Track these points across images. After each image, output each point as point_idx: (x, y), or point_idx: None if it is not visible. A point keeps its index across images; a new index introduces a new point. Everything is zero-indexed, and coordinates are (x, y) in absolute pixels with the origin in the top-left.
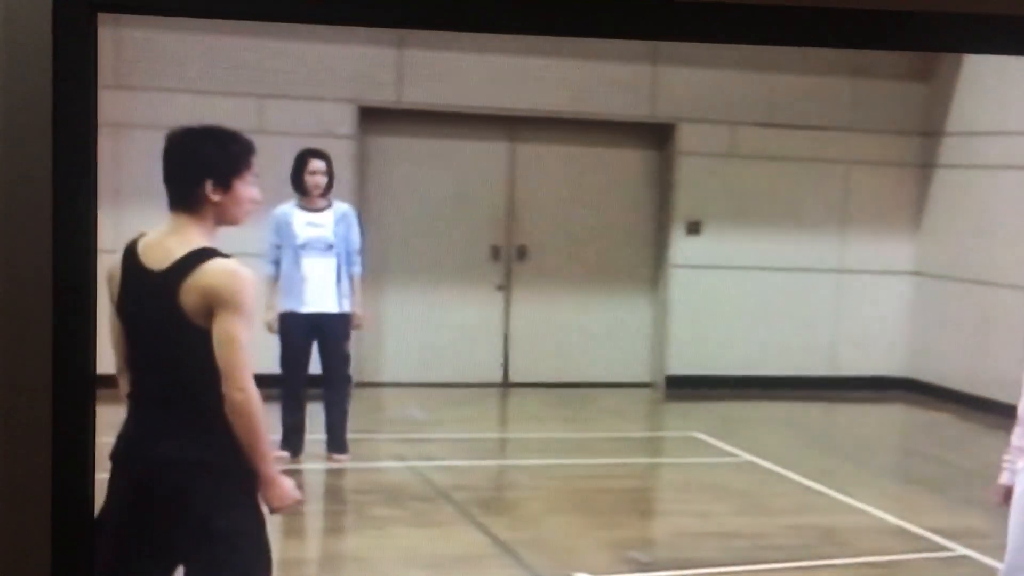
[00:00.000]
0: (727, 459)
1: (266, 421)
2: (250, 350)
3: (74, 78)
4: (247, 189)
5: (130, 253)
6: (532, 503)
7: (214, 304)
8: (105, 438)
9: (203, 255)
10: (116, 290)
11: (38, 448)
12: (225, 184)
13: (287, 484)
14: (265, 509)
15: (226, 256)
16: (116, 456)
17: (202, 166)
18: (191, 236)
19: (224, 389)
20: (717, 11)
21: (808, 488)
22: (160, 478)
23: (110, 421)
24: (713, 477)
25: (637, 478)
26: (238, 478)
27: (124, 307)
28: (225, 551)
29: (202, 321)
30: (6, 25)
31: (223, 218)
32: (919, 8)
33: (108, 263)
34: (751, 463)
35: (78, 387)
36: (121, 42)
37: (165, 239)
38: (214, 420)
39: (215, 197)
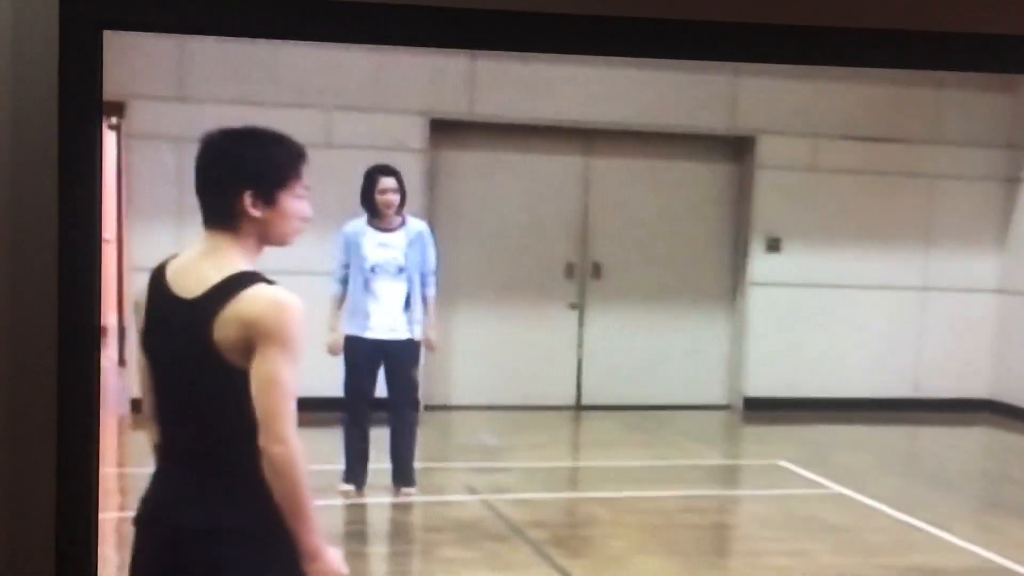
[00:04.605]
0: (816, 490)
1: (310, 481)
2: (294, 395)
3: (80, 96)
4: (295, 203)
5: (158, 278)
6: (613, 541)
7: (255, 339)
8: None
9: (243, 280)
10: (142, 321)
11: (42, 464)
12: (268, 196)
13: (333, 557)
14: None
15: (271, 282)
16: (141, 521)
17: (241, 175)
18: (229, 258)
19: (261, 441)
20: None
21: (904, 523)
22: (190, 549)
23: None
24: (803, 510)
25: (723, 512)
26: (278, 549)
27: (149, 341)
28: None
29: (240, 360)
30: (13, 43)
31: (267, 237)
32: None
33: (136, 289)
34: (841, 494)
35: (83, 405)
36: (184, 53)
37: (199, 262)
38: (253, 480)
39: (256, 212)
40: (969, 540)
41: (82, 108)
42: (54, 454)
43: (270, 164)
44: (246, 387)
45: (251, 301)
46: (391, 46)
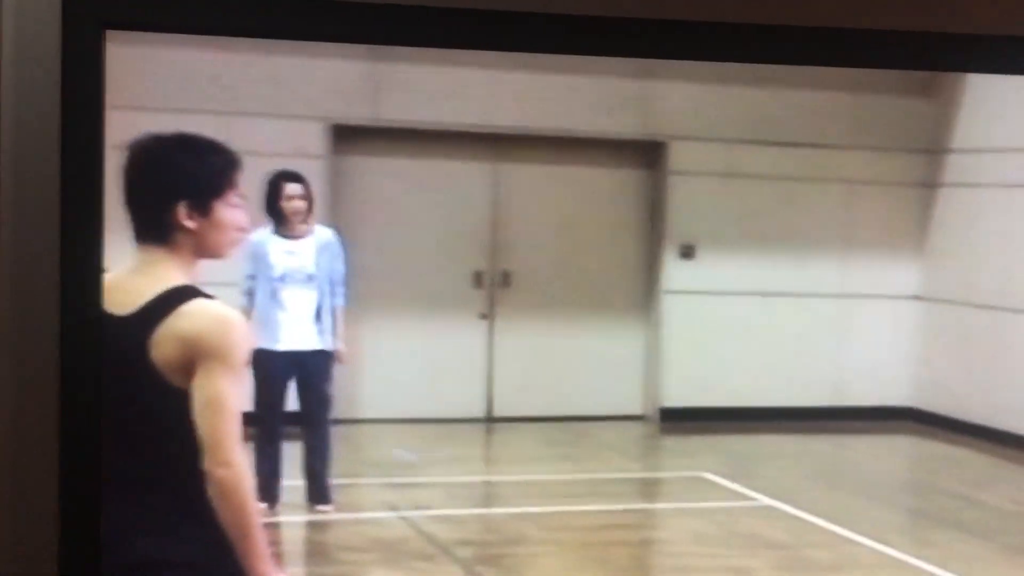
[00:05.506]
0: (744, 503)
1: (258, 506)
2: (239, 415)
3: (82, 94)
4: (231, 213)
5: None
6: (545, 559)
7: (196, 357)
8: None
9: (181, 295)
10: None
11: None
12: (203, 207)
13: None
14: None
15: (210, 296)
16: None
17: (173, 184)
18: (164, 272)
19: (206, 465)
20: (714, 30)
21: (842, 536)
22: None
23: None
24: (737, 525)
25: (653, 527)
26: None
27: None
28: None
29: (179, 379)
30: (14, 42)
31: (202, 249)
32: (916, 28)
33: None
34: (771, 507)
35: (85, 417)
36: None
37: (131, 277)
38: (197, 507)
39: (191, 224)
40: (910, 554)
41: (85, 107)
42: (56, 455)
43: (206, 173)
44: (187, 408)
45: (191, 317)
46: (290, 50)
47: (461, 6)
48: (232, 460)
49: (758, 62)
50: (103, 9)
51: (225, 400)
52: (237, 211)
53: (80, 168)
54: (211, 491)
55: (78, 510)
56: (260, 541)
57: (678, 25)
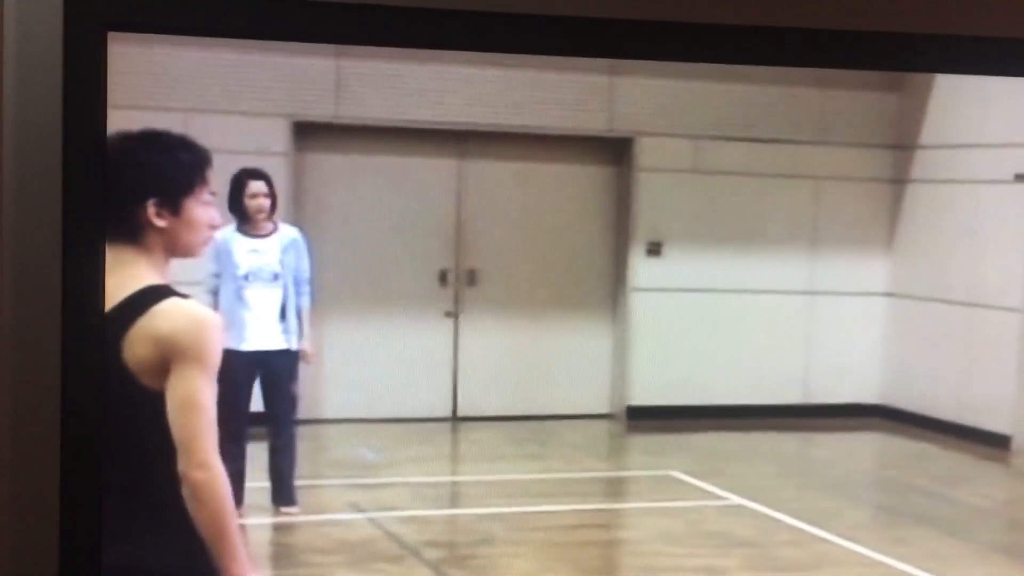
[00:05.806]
0: (715, 502)
1: (235, 509)
2: (215, 416)
3: (84, 97)
4: (202, 210)
5: None
6: (516, 561)
7: (170, 357)
8: None
9: (154, 294)
10: None
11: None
12: (173, 205)
13: None
14: None
15: (184, 295)
16: None
17: (144, 183)
18: (136, 272)
19: (181, 467)
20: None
21: (813, 535)
22: None
23: None
24: (707, 524)
25: (624, 527)
26: None
27: None
28: None
29: (153, 380)
30: (17, 43)
31: (174, 248)
32: (893, 29)
33: None
34: (741, 506)
35: (87, 420)
36: None
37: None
38: (172, 512)
39: (160, 222)
40: (881, 551)
41: (87, 110)
42: (57, 457)
43: (175, 170)
44: (161, 410)
45: (165, 317)
46: (251, 46)
47: (459, 7)
48: (208, 462)
49: (741, 63)
50: (105, 11)
51: (200, 401)
52: (209, 208)
53: (82, 170)
54: (187, 494)
55: (78, 512)
56: (236, 542)
57: (666, 27)
